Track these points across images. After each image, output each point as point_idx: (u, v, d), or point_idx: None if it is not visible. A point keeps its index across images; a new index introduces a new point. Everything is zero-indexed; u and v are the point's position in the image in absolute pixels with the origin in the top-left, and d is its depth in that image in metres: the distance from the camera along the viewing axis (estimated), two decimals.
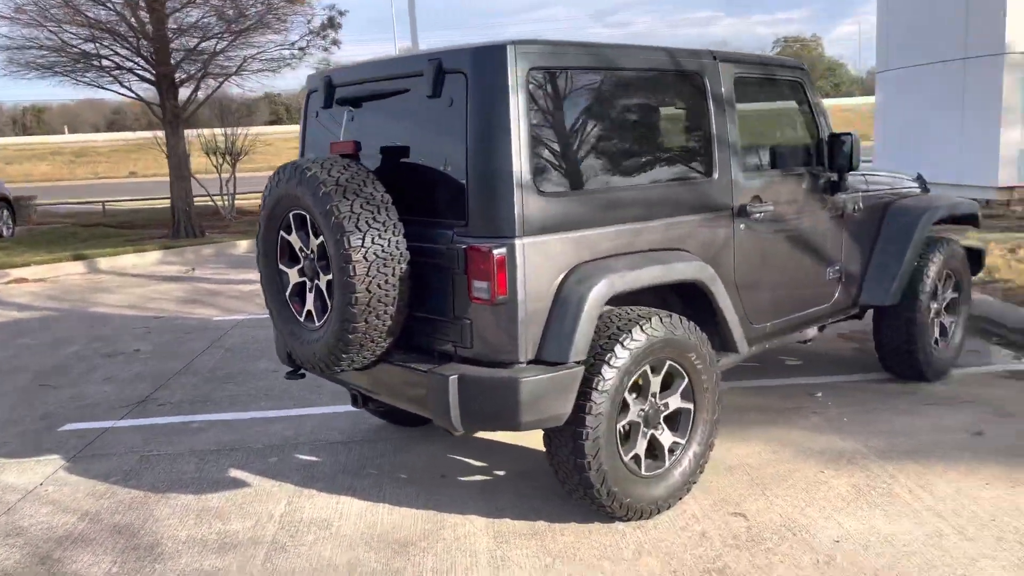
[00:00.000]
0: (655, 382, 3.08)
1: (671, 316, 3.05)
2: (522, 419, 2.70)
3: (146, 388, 5.10)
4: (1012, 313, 5.56)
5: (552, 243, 2.79)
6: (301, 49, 14.60)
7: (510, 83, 2.69)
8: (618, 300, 2.96)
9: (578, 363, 2.79)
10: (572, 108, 2.94)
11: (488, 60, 2.71)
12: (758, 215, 3.51)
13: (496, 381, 2.70)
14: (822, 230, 3.92)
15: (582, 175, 2.94)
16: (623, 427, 3.00)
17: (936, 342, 4.59)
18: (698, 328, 3.14)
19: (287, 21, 14.58)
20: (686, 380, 3.15)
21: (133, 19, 13.77)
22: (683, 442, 3.18)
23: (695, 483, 3.22)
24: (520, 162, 2.69)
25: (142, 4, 13.58)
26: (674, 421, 3.19)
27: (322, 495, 3.47)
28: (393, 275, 2.78)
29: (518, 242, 2.70)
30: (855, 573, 2.69)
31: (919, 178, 4.92)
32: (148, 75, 13.93)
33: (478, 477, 3.59)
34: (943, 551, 2.80)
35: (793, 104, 3.92)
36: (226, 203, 15.78)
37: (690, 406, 3.19)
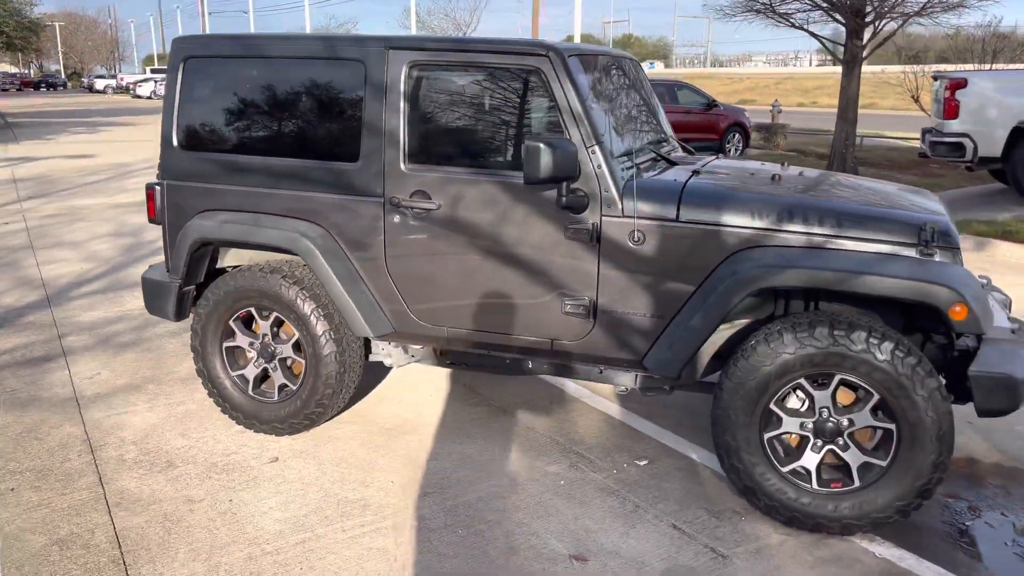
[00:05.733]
0: (263, 325, 3.75)
1: (275, 271, 3.62)
2: (145, 305, 3.98)
3: None
4: None
5: (187, 188, 3.80)
6: None
7: (172, 66, 3.79)
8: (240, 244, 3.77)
9: (175, 279, 3.82)
10: (219, 90, 3.72)
11: (173, 48, 3.84)
12: (416, 210, 3.41)
13: (142, 278, 4.02)
14: (546, 250, 3.26)
15: (213, 141, 3.73)
16: (230, 348, 3.84)
17: (801, 475, 3.01)
18: (299, 287, 3.58)
19: None
20: (296, 333, 3.67)
21: None
22: (294, 388, 3.73)
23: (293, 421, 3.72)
24: (172, 126, 3.80)
25: None
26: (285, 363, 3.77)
27: None
28: None
29: (162, 183, 3.86)
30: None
31: (923, 231, 2.87)
32: (838, 16, 14.22)
33: None
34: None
35: (531, 97, 3.27)
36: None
37: (308, 351, 3.67)
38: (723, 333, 3.30)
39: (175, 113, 3.81)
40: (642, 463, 3.57)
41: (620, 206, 3.16)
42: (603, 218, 3.19)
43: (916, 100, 15.45)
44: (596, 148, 3.18)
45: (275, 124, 3.66)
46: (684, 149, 4.22)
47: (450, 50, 3.36)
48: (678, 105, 17.19)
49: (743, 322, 3.31)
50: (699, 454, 3.63)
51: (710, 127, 17.29)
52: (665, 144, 4.02)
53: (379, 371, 4.54)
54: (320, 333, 3.60)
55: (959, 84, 9.34)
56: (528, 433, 3.86)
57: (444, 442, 3.76)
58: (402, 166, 3.43)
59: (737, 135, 18.39)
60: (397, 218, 3.46)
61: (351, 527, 3.04)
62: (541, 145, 3.00)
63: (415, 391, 4.34)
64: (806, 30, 14.85)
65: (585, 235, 3.21)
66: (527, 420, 4.00)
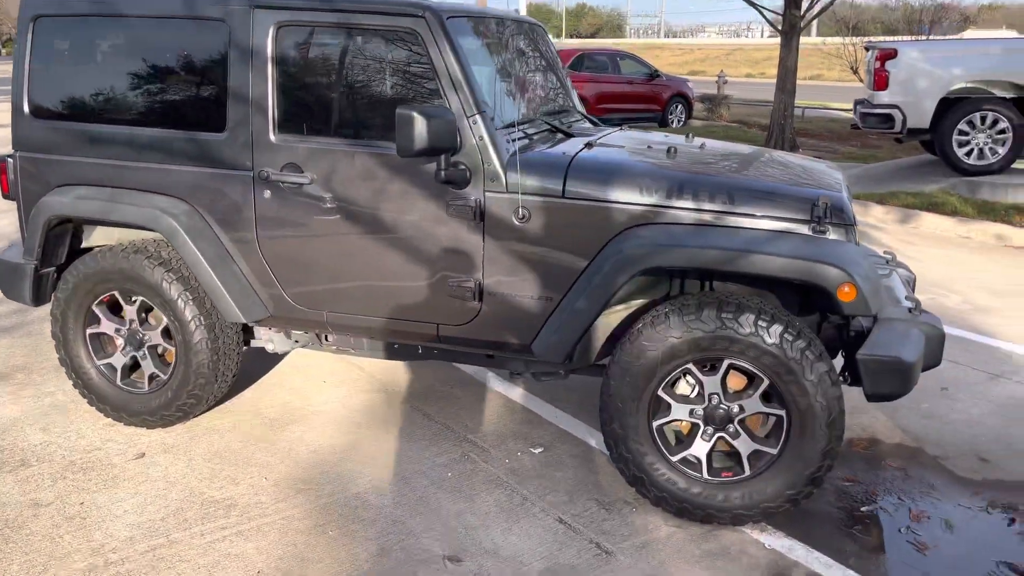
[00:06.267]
0: (129, 310, 3.46)
1: (138, 252, 3.33)
2: (1, 289, 3.64)
3: None
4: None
5: (41, 161, 3.46)
6: None
7: (21, 26, 3.43)
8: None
9: (31, 261, 3.48)
10: (72, 52, 3.38)
11: (22, 5, 3.47)
12: (287, 185, 3.14)
13: None
14: (427, 227, 3.03)
15: (67, 108, 3.39)
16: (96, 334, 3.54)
17: (691, 464, 2.86)
18: (164, 269, 3.29)
19: None
20: (166, 319, 3.39)
21: None
22: (164, 378, 3.46)
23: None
24: (23, 92, 3.44)
25: None
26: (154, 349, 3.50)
27: None
28: None
29: (14, 155, 3.52)
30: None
31: (816, 207, 2.71)
32: None
33: None
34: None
35: (408, 62, 3.02)
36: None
37: (177, 338, 3.39)
38: (618, 314, 3.13)
39: (25, 78, 3.46)
40: (537, 451, 3.40)
41: (504, 181, 2.94)
42: (487, 194, 2.97)
43: (855, 71, 15.53)
44: (478, 118, 2.95)
45: (134, 90, 3.34)
46: (590, 121, 4.02)
47: (320, 10, 3.08)
48: (620, 75, 16.98)
49: (639, 302, 3.14)
50: (597, 439, 3.46)
51: (652, 98, 17.12)
52: (567, 115, 3.81)
53: (271, 356, 4.28)
54: (189, 319, 3.33)
55: (889, 55, 9.28)
56: (423, 421, 3.66)
57: (330, 433, 3.53)
58: (271, 136, 3.15)
59: (680, 106, 18.29)
60: (268, 193, 3.19)
61: (210, 531, 2.81)
62: (415, 114, 2.76)
63: (307, 377, 4.10)
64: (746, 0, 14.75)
65: (468, 212, 2.98)
66: (423, 406, 3.79)
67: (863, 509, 3.01)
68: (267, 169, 3.16)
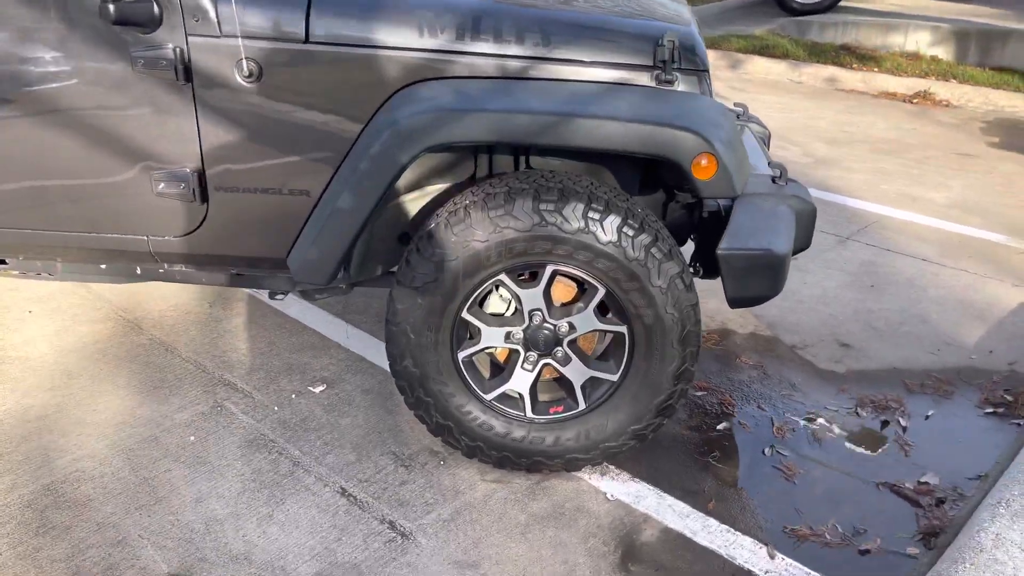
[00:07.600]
0: None
1: None
2: None
3: None
4: None
5: None
6: None
7: None
8: None
9: None
10: None
11: None
12: None
13: None
14: (108, 94, 2.03)
15: None
16: None
17: (511, 401, 2.18)
18: None
19: None
20: None
21: None
22: None
23: None
24: None
25: None
26: None
27: None
28: None
29: None
30: None
31: (660, 46, 1.96)
32: None
33: None
34: None
35: None
36: None
37: None
38: (413, 203, 2.31)
39: None
40: (318, 389, 2.61)
41: (215, 19, 1.96)
42: (190, 39, 1.98)
43: None
44: None
45: None
46: None
47: None
48: None
49: (439, 187, 2.32)
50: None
51: None
52: None
53: None
54: None
55: None
56: (165, 359, 2.75)
57: (26, 390, 2.56)
58: None
59: None
60: None
61: None
62: None
63: (5, 307, 3.04)
64: None
65: (166, 67, 1.98)
66: (169, 337, 2.87)
67: (720, 427, 2.48)
68: None
